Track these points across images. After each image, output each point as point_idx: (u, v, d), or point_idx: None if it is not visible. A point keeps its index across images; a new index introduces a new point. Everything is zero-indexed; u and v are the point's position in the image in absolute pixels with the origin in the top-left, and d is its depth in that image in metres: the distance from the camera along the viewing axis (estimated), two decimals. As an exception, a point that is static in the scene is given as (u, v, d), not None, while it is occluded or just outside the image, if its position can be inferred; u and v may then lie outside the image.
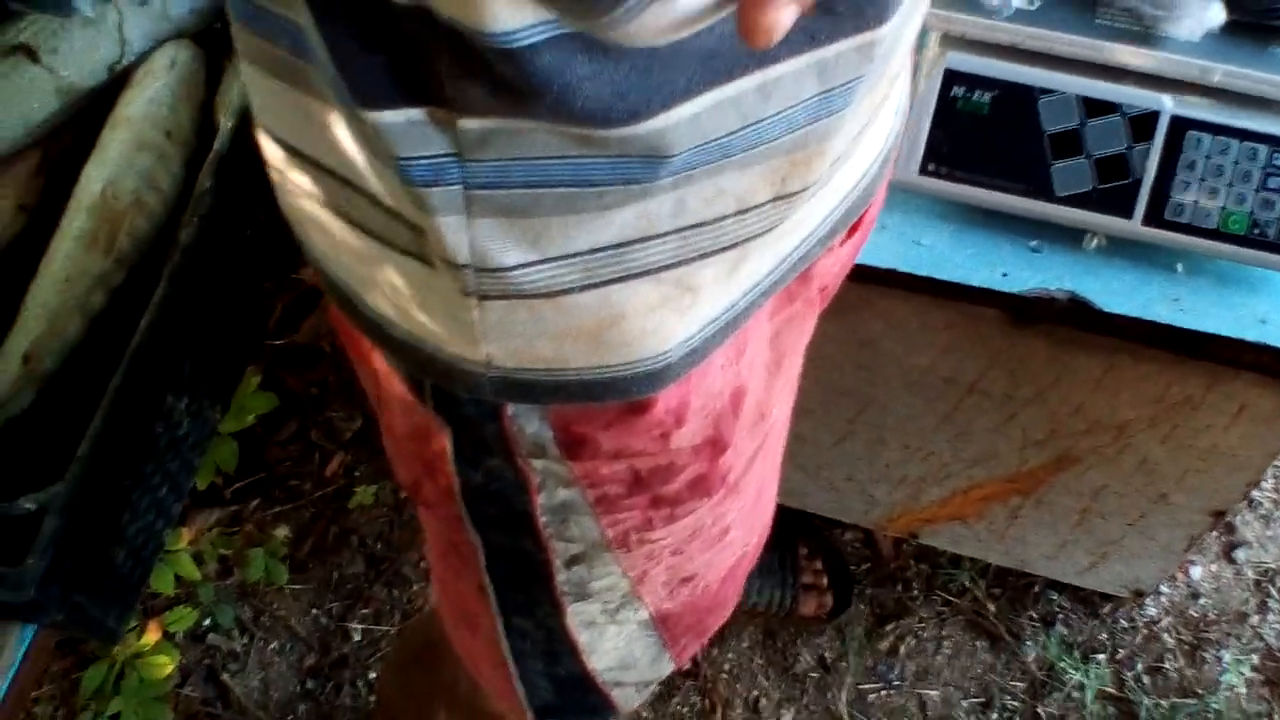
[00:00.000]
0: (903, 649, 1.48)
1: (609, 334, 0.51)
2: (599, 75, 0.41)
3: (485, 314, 0.50)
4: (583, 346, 0.52)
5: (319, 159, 0.52)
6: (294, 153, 0.53)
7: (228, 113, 1.12)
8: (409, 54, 0.42)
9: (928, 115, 0.95)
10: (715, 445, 0.61)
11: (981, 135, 0.97)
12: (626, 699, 0.78)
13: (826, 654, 1.48)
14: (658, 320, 0.52)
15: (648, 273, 0.50)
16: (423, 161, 0.45)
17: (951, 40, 0.95)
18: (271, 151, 0.55)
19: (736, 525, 0.71)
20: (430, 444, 0.60)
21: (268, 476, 1.59)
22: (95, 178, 1.08)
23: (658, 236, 0.49)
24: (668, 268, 0.50)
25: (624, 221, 0.48)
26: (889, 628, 1.49)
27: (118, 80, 1.16)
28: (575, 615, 0.68)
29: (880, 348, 1.12)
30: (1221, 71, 0.91)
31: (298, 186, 0.54)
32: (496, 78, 0.41)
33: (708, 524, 0.67)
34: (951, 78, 0.95)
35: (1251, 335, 0.94)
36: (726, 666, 1.47)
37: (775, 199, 0.51)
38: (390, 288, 0.53)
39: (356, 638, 1.51)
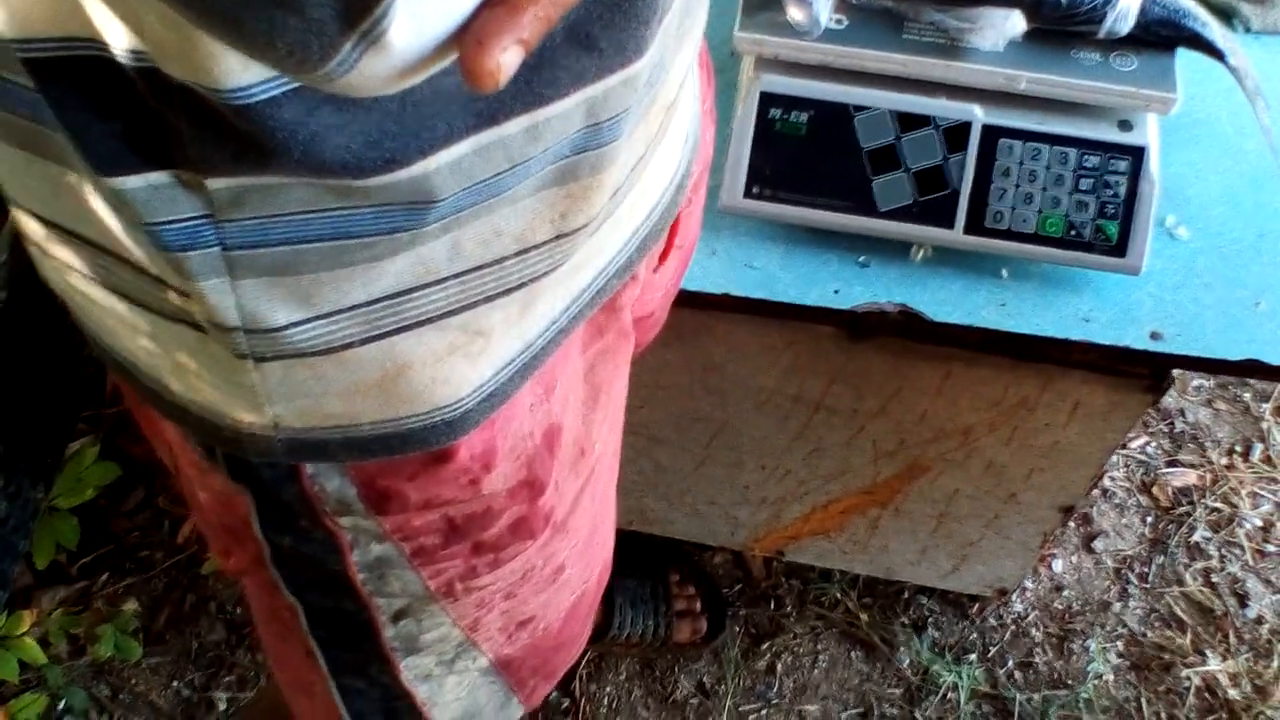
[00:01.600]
0: (780, 666, 1.48)
1: (397, 386, 0.50)
2: (349, 125, 0.40)
3: (265, 376, 0.48)
4: (372, 401, 0.50)
5: (76, 230, 0.49)
6: (50, 225, 0.50)
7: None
8: (145, 117, 0.40)
9: (747, 139, 0.95)
10: (532, 486, 0.60)
11: (802, 155, 0.97)
12: None
13: (705, 679, 1.47)
14: (448, 368, 0.50)
15: (430, 320, 0.49)
16: (174, 225, 0.42)
17: (765, 63, 0.95)
18: (28, 226, 0.52)
19: (571, 564, 0.69)
20: (233, 511, 0.57)
21: (116, 549, 1.53)
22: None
23: (437, 283, 0.48)
24: (451, 313, 0.49)
25: (398, 270, 0.46)
26: (765, 646, 1.49)
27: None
28: (409, 670, 0.66)
29: (726, 371, 1.12)
30: (1026, 79, 0.93)
31: (59, 260, 0.51)
32: (239, 135, 0.39)
33: (538, 565, 0.65)
34: (767, 100, 0.95)
35: (1077, 334, 0.96)
36: (605, 700, 1.45)
37: (557, 237, 0.50)
38: (166, 356, 0.50)
39: (222, 706, 1.45)
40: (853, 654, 1.49)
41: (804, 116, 0.97)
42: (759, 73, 0.95)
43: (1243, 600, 1.52)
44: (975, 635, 1.50)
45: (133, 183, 0.42)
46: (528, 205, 0.48)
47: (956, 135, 0.95)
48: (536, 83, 0.43)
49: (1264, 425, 1.64)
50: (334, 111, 0.39)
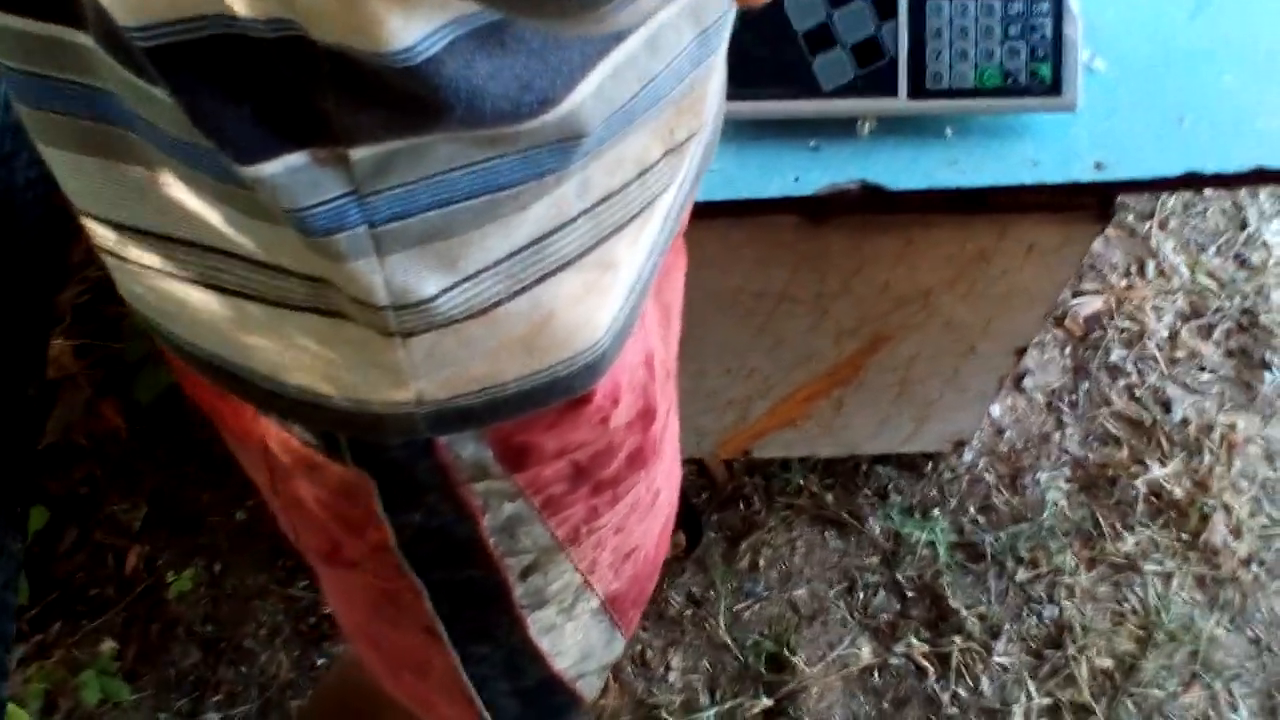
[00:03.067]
0: (761, 561, 1.51)
1: (542, 337, 0.48)
2: (502, 72, 0.38)
3: (411, 351, 0.46)
4: (517, 357, 0.48)
5: (166, 231, 0.46)
6: (134, 232, 0.47)
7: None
8: (278, 94, 0.38)
9: (687, 41, 0.94)
10: (646, 415, 0.60)
11: (741, 49, 0.96)
12: (590, 688, 0.76)
13: (694, 589, 1.49)
14: (587, 309, 0.49)
15: (569, 262, 0.47)
16: (319, 209, 0.40)
17: (690, -38, 0.94)
18: (101, 235, 0.48)
19: (663, 485, 0.70)
20: (353, 500, 0.55)
21: (64, 594, 1.45)
22: None
23: (570, 222, 0.47)
24: (586, 251, 0.48)
25: (537, 217, 0.45)
26: (743, 546, 1.52)
27: None
28: (535, 624, 0.65)
29: (689, 280, 1.12)
30: (944, -65, 0.94)
31: (143, 265, 0.48)
32: (396, 98, 0.37)
33: (643, 494, 0.65)
34: (700, -1, 0.94)
35: (1028, 179, 0.99)
36: (604, 633, 1.46)
37: (667, 153, 0.50)
38: (286, 349, 0.48)
39: (216, 727, 1.40)
40: (826, 534, 1.53)
41: (736, 10, 0.96)
42: (686, -27, 0.94)
43: (1166, 407, 1.61)
44: (935, 492, 1.56)
45: (269, 169, 0.39)
46: (647, 127, 0.47)
47: (885, 3, 0.96)
48: None
49: (1152, 242, 1.73)
50: (488, 60, 0.38)
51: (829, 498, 1.55)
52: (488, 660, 0.67)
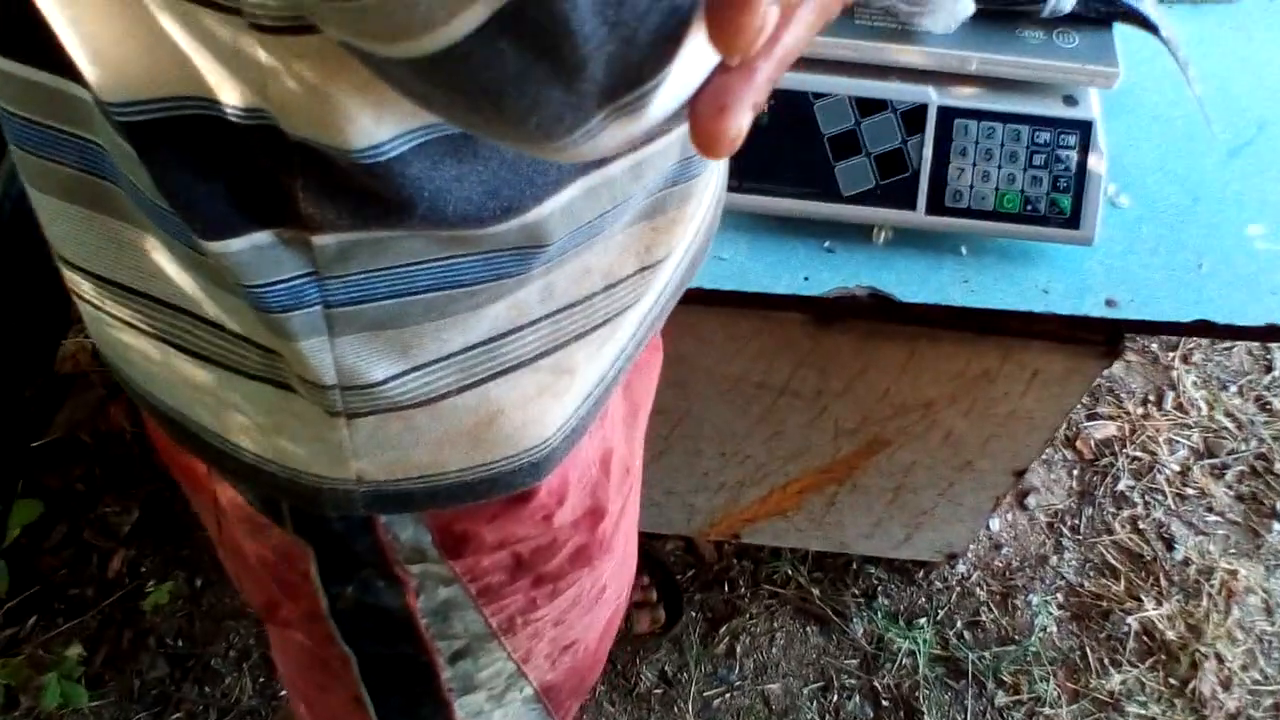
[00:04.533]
0: (739, 648, 1.50)
1: (489, 432, 0.48)
2: (469, 176, 0.39)
3: (355, 431, 0.46)
4: (461, 449, 0.48)
5: (140, 288, 0.46)
6: (107, 283, 0.47)
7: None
8: (250, 176, 0.38)
9: (712, 132, 0.95)
10: (594, 514, 0.59)
11: (765, 145, 0.97)
12: None
13: (667, 668, 1.47)
14: (538, 409, 0.49)
15: (524, 363, 0.48)
16: (277, 287, 0.41)
17: (724, 55, 0.95)
18: (81, 286, 0.49)
19: (611, 581, 0.69)
20: (291, 567, 0.55)
21: (44, 589, 1.45)
22: None
23: (529, 325, 0.47)
24: (543, 354, 0.48)
25: (495, 315, 0.45)
26: (722, 630, 1.50)
27: None
28: (463, 709, 0.65)
29: (692, 362, 1.12)
30: (977, 60, 0.95)
31: (117, 319, 0.48)
32: (361, 191, 0.38)
33: (587, 589, 0.65)
34: (729, 92, 0.95)
35: (1037, 306, 0.99)
36: (571, 700, 1.44)
37: (640, 269, 0.50)
38: (237, 414, 0.48)
39: (172, 745, 1.40)
40: (808, 629, 1.51)
41: (766, 107, 0.97)
42: (719, 65, 0.95)
43: (1169, 544, 1.59)
44: (924, 600, 1.54)
45: (235, 245, 0.40)
46: (617, 241, 0.48)
47: (914, 118, 0.97)
48: None
49: (1174, 374, 1.71)
50: (456, 164, 0.38)
51: (815, 592, 1.53)
52: (412, 738, 0.66)
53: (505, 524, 0.54)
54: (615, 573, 0.70)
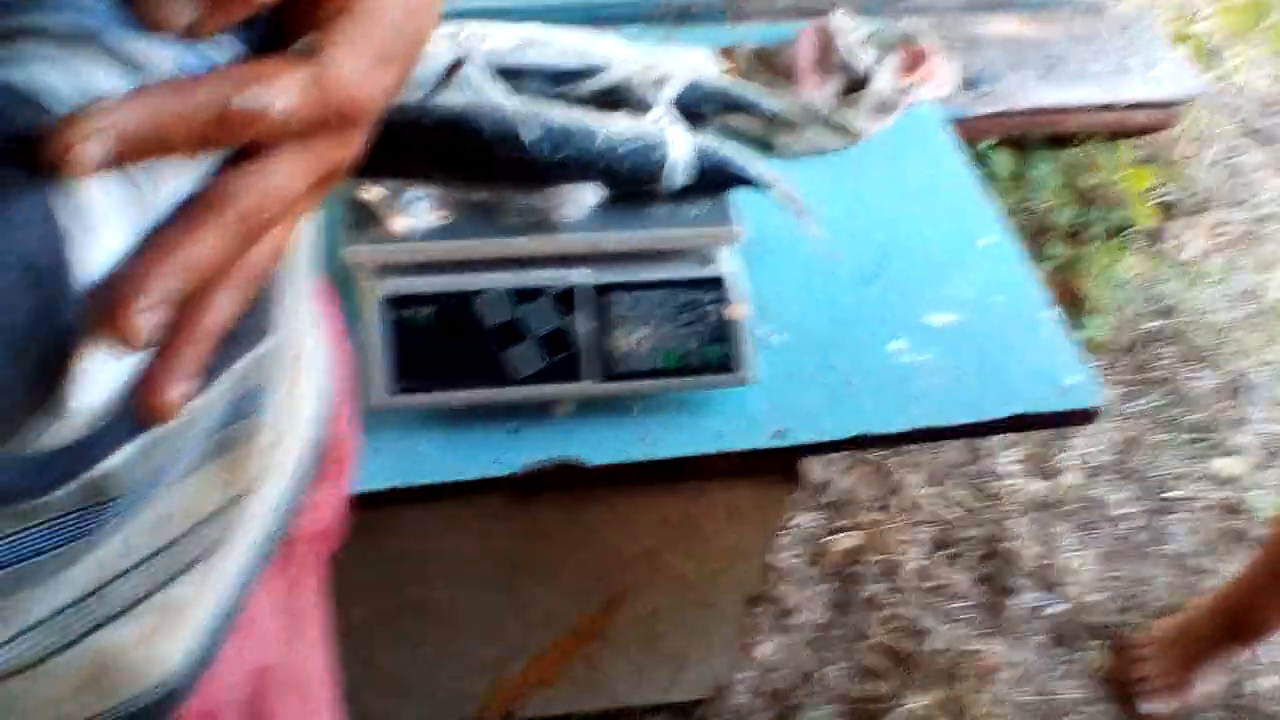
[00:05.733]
0: (538, 824, 1.51)
1: (109, 676, 0.51)
2: (11, 458, 0.43)
3: None
4: (87, 699, 0.51)
5: None
6: None
7: None
8: None
9: (380, 342, 1.02)
10: (260, 726, 0.62)
11: (434, 344, 1.04)
12: None
13: None
14: (154, 646, 0.52)
15: (123, 611, 0.50)
16: None
17: (381, 269, 1.03)
18: None
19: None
20: None
21: None
22: None
23: (118, 577, 0.50)
24: (143, 599, 0.51)
25: (77, 577, 0.48)
26: (519, 809, 1.51)
27: None
28: None
29: (425, 555, 1.16)
30: (612, 239, 1.05)
31: None
32: None
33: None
34: (391, 303, 1.02)
35: (712, 448, 1.07)
36: None
37: (227, 503, 0.54)
38: None
39: None
40: (603, 789, 1.54)
41: (428, 310, 1.04)
42: (378, 280, 1.02)
43: (920, 636, 1.69)
44: (707, 737, 1.59)
45: None
46: (192, 484, 0.51)
47: (567, 299, 1.05)
48: None
49: (894, 477, 1.84)
50: None
51: (604, 752, 1.56)
52: None
53: None
54: None
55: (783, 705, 1.62)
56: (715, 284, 1.08)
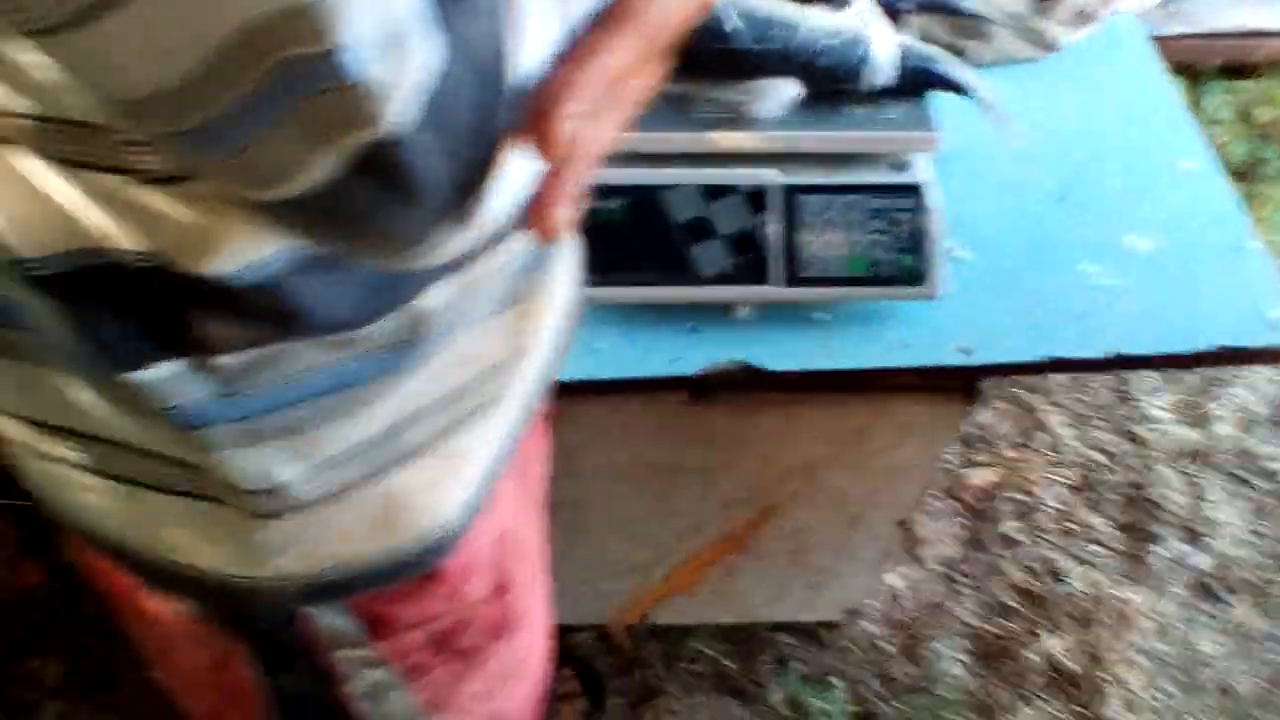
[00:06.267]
0: (662, 728, 1.52)
1: (395, 519, 0.53)
2: (343, 284, 0.44)
3: (273, 532, 0.51)
4: (370, 536, 0.53)
5: (66, 424, 0.50)
6: (34, 424, 0.51)
7: None
8: (153, 312, 0.43)
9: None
10: (501, 589, 0.64)
11: (623, 238, 1.03)
12: None
13: (595, 756, 1.49)
14: (438, 493, 0.54)
15: (420, 452, 0.52)
16: (190, 407, 0.45)
17: (574, 157, 1.01)
18: (7, 427, 0.52)
19: (528, 656, 0.73)
20: (228, 669, 0.59)
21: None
22: None
23: (421, 415, 0.51)
24: (436, 441, 0.53)
25: (388, 410, 0.50)
26: (646, 712, 1.52)
27: None
28: None
29: (584, 453, 1.16)
30: (808, 138, 1.02)
31: (46, 455, 0.52)
32: (250, 311, 0.42)
33: (507, 661, 0.69)
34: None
35: (896, 361, 1.05)
36: (500, 804, 1.44)
37: (515, 353, 0.55)
38: (167, 529, 0.53)
39: None
40: (727, 701, 1.54)
41: (618, 203, 1.02)
42: (571, 167, 1.00)
43: (1057, 577, 1.66)
44: (834, 660, 1.57)
45: (149, 375, 0.44)
46: (491, 327, 0.52)
47: (757, 198, 1.03)
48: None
49: (1039, 415, 1.80)
50: (328, 275, 0.43)
51: (729, 665, 1.56)
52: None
53: (419, 603, 0.58)
54: (531, 647, 0.74)
55: (910, 635, 1.60)
56: (912, 191, 1.04)
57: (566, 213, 0.38)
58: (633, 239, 1.03)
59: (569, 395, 1.04)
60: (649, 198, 1.02)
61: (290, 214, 0.36)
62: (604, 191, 1.01)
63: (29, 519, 1.57)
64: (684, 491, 1.23)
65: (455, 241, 0.37)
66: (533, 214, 0.38)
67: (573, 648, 1.55)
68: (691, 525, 1.29)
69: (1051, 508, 1.71)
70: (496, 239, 0.49)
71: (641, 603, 1.43)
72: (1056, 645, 1.59)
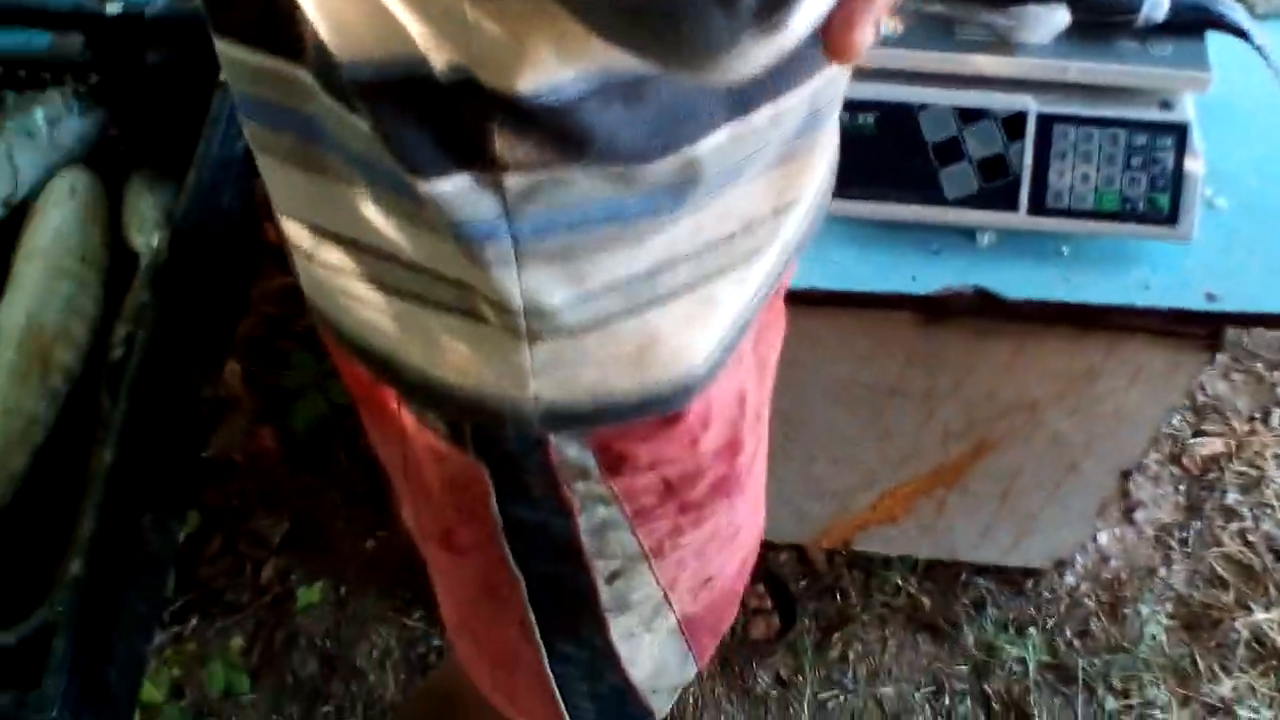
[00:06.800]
0: (852, 654, 1.54)
1: (647, 356, 0.56)
2: (635, 117, 0.47)
3: (534, 354, 0.54)
4: (625, 371, 0.56)
5: (349, 235, 0.55)
6: (321, 233, 0.57)
7: (142, 228, 1.13)
8: (455, 125, 0.47)
9: (825, 142, 1.03)
10: (733, 447, 0.66)
11: (872, 153, 1.05)
12: (661, 704, 0.82)
13: (782, 671, 1.53)
14: (689, 336, 0.57)
15: (677, 293, 0.55)
16: (475, 222, 0.49)
17: (835, 72, 1.03)
18: (297, 235, 0.58)
19: (743, 524, 0.76)
20: (469, 489, 0.63)
21: (203, 594, 1.57)
22: (18, 309, 1.07)
23: (681, 258, 0.55)
24: (693, 286, 0.56)
25: (654, 248, 0.53)
26: (836, 637, 1.55)
27: (15, 213, 1.16)
28: (617, 629, 0.72)
29: (802, 365, 1.19)
30: (1074, 68, 1.02)
31: (327, 264, 0.58)
32: (545, 133, 0.46)
33: (723, 525, 0.72)
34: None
35: (1139, 301, 1.04)
36: (690, 697, 1.51)
37: (774, 212, 0.57)
38: (434, 345, 0.56)
39: (320, 737, 1.50)
40: (919, 637, 1.56)
41: (872, 118, 1.05)
42: (830, 81, 1.03)
43: (1278, 555, 1.60)
44: (1032, 610, 1.57)
45: (441, 185, 0.48)
46: (756, 184, 0.55)
47: (1014, 125, 1.03)
48: (779, 78, 0.51)
49: (1279, 391, 1.73)
50: (624, 106, 0.46)
51: (926, 601, 1.57)
52: (572, 660, 0.74)
53: (657, 444, 0.62)
54: (748, 517, 0.77)
55: (1116, 596, 1.58)
56: (1176, 130, 1.03)
57: (865, 35, 0.38)
58: (883, 155, 1.05)
59: (796, 303, 1.08)
60: (903, 115, 1.04)
61: (605, 15, 0.37)
62: (857, 106, 1.04)
63: (270, 388, 1.71)
64: (900, 417, 1.25)
65: (760, 53, 0.38)
66: (832, 33, 0.38)
67: (770, 566, 1.59)
68: (903, 454, 1.31)
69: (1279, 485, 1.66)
70: (784, 80, 0.51)
71: (844, 528, 1.46)
72: (1266, 619, 1.54)
